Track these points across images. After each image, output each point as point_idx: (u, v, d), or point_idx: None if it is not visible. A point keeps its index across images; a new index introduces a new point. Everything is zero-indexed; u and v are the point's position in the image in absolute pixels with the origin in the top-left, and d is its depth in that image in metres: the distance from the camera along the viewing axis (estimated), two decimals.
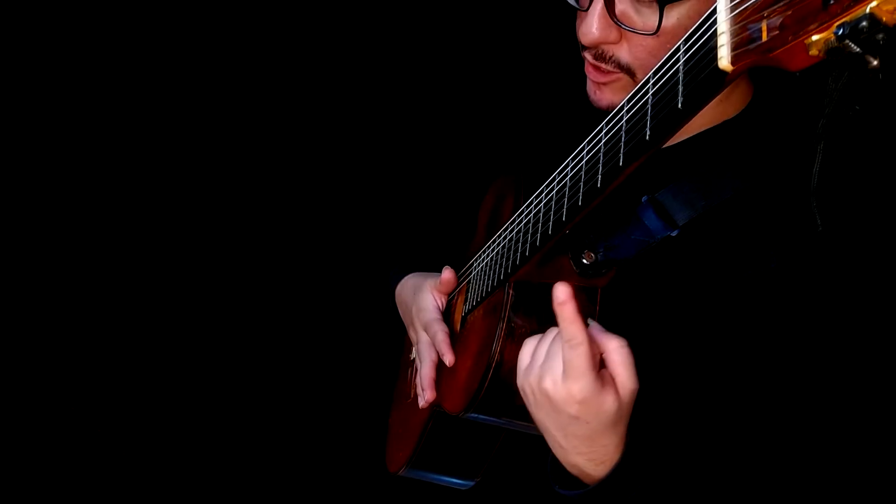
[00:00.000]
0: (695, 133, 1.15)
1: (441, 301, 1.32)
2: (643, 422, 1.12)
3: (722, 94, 1.10)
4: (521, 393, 0.99)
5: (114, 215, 2.23)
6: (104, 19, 2.14)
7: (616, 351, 0.93)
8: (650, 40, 1.04)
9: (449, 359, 1.24)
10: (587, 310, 1.11)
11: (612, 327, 1.11)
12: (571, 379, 0.90)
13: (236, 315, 2.26)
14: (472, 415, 1.16)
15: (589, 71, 1.13)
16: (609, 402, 0.91)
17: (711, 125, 1.14)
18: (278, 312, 2.25)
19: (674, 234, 1.08)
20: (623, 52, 1.08)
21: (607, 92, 1.13)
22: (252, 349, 2.26)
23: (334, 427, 2.17)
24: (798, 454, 1.03)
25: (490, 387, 1.11)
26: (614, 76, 1.10)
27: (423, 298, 1.31)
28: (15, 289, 2.19)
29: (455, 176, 1.56)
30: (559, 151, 1.05)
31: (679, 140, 1.16)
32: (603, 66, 1.10)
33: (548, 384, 0.93)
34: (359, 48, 2.19)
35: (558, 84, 1.32)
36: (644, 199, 1.09)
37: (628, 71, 1.09)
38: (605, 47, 1.09)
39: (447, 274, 1.29)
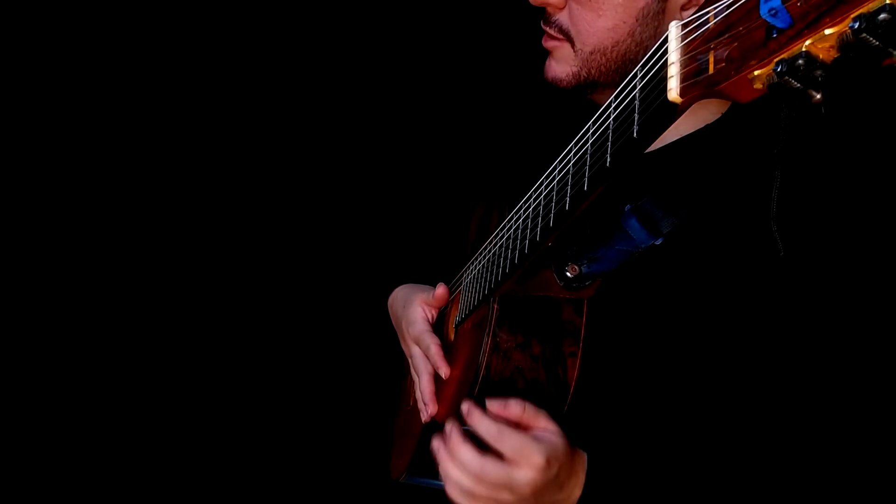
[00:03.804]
0: (676, 138, 1.14)
1: (431, 314, 1.33)
2: (629, 428, 1.13)
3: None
4: None
5: (114, 215, 2.24)
6: (104, 19, 2.14)
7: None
8: (585, 7, 1.10)
9: (444, 371, 1.24)
10: (573, 322, 1.11)
11: (599, 338, 1.11)
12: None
13: (239, 318, 2.27)
14: (464, 427, 1.17)
15: (543, 39, 1.21)
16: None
17: (692, 130, 1.13)
18: (282, 317, 2.26)
19: (658, 242, 1.07)
20: (564, 17, 1.15)
21: (552, 62, 1.19)
22: (257, 354, 2.27)
23: (340, 433, 2.19)
24: (783, 455, 1.03)
25: (478, 398, 1.12)
26: (557, 42, 1.17)
27: (413, 311, 1.32)
28: (15, 289, 2.21)
29: (448, 185, 1.56)
30: (545, 163, 1.05)
31: (660, 145, 1.15)
32: (548, 29, 1.18)
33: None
34: (346, 58, 2.18)
35: (545, 96, 1.31)
36: (627, 208, 1.09)
37: (568, 37, 1.15)
38: (551, 11, 1.17)
39: (440, 290, 1.29)
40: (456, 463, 1.01)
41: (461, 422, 1.15)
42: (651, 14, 1.07)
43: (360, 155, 2.20)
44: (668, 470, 1.06)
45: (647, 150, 1.16)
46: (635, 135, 0.73)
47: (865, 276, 0.99)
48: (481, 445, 1.01)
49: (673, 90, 0.68)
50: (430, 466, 1.39)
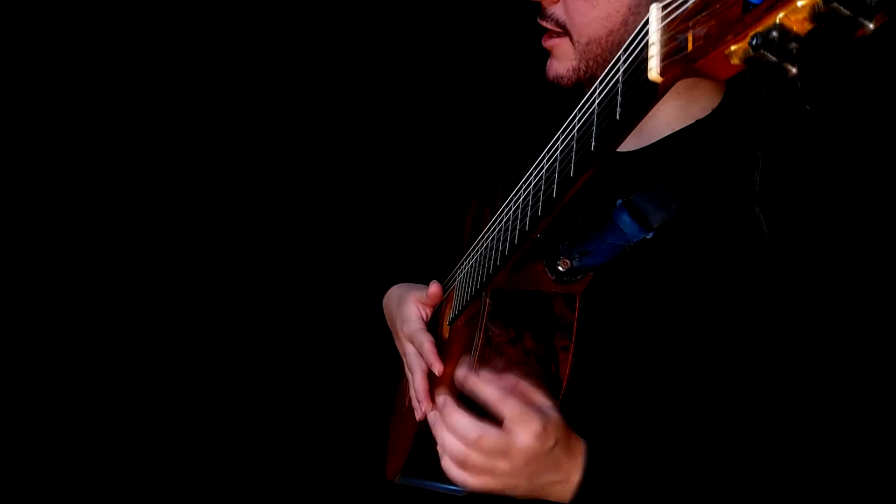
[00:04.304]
0: (666, 135, 1.15)
1: (425, 312, 1.33)
2: (623, 422, 1.13)
3: (688, 95, 1.13)
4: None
5: (113, 215, 2.24)
6: (104, 19, 2.16)
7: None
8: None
9: (438, 368, 1.24)
10: (565, 317, 1.12)
11: (592, 333, 1.11)
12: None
13: (234, 318, 2.26)
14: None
15: (543, 39, 1.21)
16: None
17: (682, 126, 1.14)
18: (277, 317, 2.26)
19: (649, 236, 1.08)
20: (559, 10, 1.16)
21: (553, 61, 1.20)
22: (251, 355, 2.26)
23: (336, 434, 2.18)
24: (773, 446, 1.03)
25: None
26: (556, 40, 1.18)
27: (407, 310, 1.32)
28: (15, 289, 2.22)
29: (442, 182, 1.57)
30: (537, 157, 1.06)
31: (651, 142, 1.16)
32: (544, 23, 1.19)
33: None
34: (339, 56, 2.20)
35: (538, 91, 1.33)
36: (619, 202, 1.09)
37: (565, 30, 1.16)
38: (546, 4, 1.18)
39: (434, 288, 1.29)
40: (452, 431, 1.00)
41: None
42: (644, 3, 1.08)
43: (353, 153, 2.20)
44: (664, 462, 1.06)
45: (639, 147, 1.19)
46: (618, 117, 0.74)
47: (857, 266, 0.99)
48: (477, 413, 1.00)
49: (653, 69, 0.68)
50: (425, 467, 1.39)
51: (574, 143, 0.85)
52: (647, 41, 0.71)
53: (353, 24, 2.16)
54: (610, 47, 1.12)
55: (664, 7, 0.70)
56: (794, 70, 0.60)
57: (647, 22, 0.72)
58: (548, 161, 0.94)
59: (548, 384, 1.10)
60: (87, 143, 2.23)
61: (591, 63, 1.15)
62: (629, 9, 1.10)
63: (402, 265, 1.51)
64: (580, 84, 1.18)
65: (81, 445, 2.19)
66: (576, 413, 1.08)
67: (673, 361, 1.10)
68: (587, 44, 1.14)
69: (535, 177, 0.97)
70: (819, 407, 1.00)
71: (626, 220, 1.08)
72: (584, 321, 1.10)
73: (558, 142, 0.91)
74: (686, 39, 0.66)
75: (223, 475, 2.20)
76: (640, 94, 0.71)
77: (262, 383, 2.25)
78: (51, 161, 2.21)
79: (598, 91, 0.82)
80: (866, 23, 0.55)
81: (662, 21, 0.70)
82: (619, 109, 0.74)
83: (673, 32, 0.68)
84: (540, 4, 1.19)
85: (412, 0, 2.11)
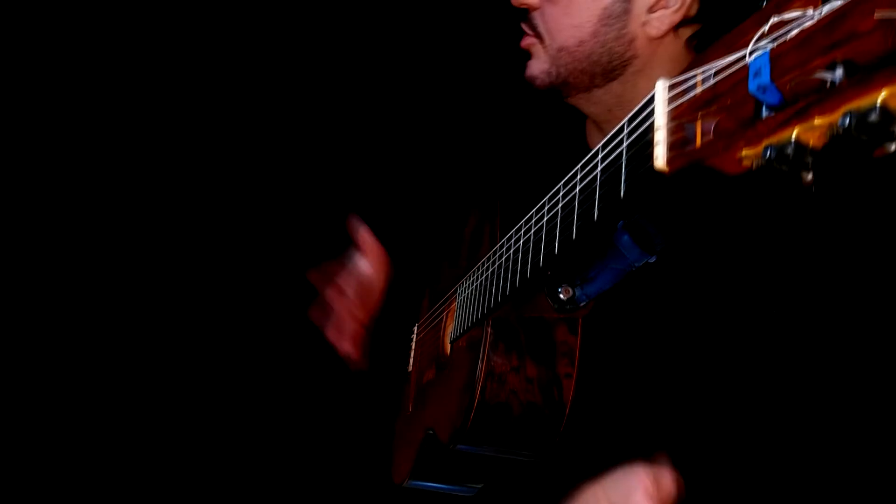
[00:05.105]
0: None
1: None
2: (626, 445, 1.14)
3: None
4: None
5: (113, 216, 2.22)
6: (104, 19, 2.11)
7: None
8: (555, 5, 1.16)
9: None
10: (567, 342, 1.11)
11: (595, 356, 1.11)
12: None
13: (240, 321, 2.26)
14: (462, 447, 1.18)
15: (521, 39, 1.25)
16: None
17: None
18: (281, 319, 2.25)
19: (652, 260, 1.06)
20: (538, 17, 1.20)
21: (530, 61, 1.24)
22: (258, 358, 2.26)
23: (341, 436, 2.20)
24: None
25: (474, 424, 1.12)
26: (530, 40, 1.22)
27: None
28: (14, 289, 2.21)
29: (441, 190, 1.55)
30: (537, 182, 1.03)
31: None
32: (524, 27, 1.23)
33: None
34: (341, 60, 2.15)
35: (540, 109, 1.31)
36: (620, 224, 1.07)
37: (538, 35, 1.20)
38: (531, 10, 1.21)
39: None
40: None
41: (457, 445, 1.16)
42: (614, 15, 1.09)
43: (353, 159, 2.18)
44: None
45: None
46: (622, 196, 0.71)
47: (856, 295, 0.99)
48: None
49: (659, 158, 0.65)
50: (433, 469, 1.41)
51: (576, 204, 0.82)
52: (654, 122, 0.67)
53: (354, 28, 2.11)
54: (580, 58, 1.14)
55: (671, 88, 0.66)
56: (808, 178, 0.57)
57: (652, 98, 0.69)
58: (548, 214, 0.91)
59: (551, 411, 1.10)
60: (86, 143, 2.19)
61: (562, 70, 1.18)
62: (600, 20, 1.10)
63: (401, 268, 1.50)
64: (554, 88, 1.21)
65: (81, 446, 2.21)
66: (579, 438, 1.09)
67: (678, 384, 1.10)
68: (558, 50, 1.16)
69: (536, 224, 0.95)
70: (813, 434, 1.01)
71: (627, 244, 1.06)
72: (587, 346, 1.10)
73: (559, 196, 0.88)
74: (694, 131, 0.63)
75: (231, 478, 2.23)
76: (644, 178, 0.68)
77: (269, 387, 2.26)
78: (49, 161, 2.18)
79: (601, 156, 0.78)
80: (888, 144, 0.52)
81: (669, 104, 0.66)
82: (623, 188, 0.72)
83: (680, 120, 0.65)
84: (527, 10, 1.21)
85: (416, 8, 2.07)
